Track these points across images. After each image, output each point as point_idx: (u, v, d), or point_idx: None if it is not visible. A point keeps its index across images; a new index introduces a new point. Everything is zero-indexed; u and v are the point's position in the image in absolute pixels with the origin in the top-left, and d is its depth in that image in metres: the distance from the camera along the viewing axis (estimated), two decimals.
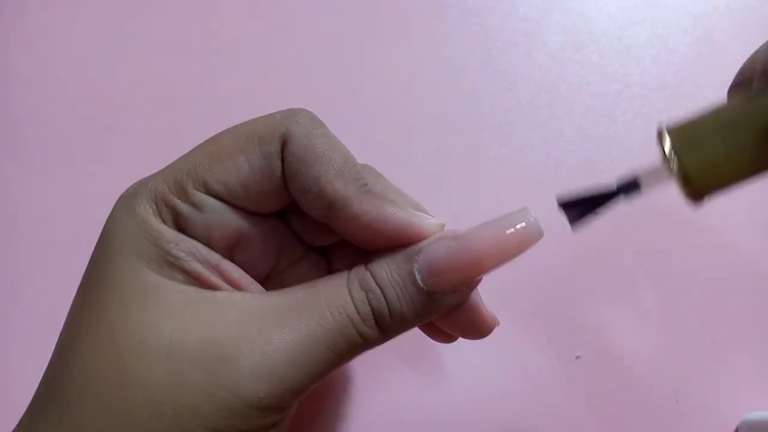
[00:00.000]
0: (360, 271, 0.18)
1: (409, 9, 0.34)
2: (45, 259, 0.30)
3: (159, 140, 0.32)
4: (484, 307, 0.20)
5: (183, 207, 0.17)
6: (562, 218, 0.30)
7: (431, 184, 0.31)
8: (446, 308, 0.18)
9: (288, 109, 0.18)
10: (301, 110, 0.18)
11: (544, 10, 0.34)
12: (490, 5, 0.34)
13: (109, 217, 0.18)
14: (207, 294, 0.17)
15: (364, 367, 0.28)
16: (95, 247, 0.18)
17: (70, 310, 0.18)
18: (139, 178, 0.19)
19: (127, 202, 0.18)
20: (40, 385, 0.17)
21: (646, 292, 0.30)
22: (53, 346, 0.18)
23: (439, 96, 0.33)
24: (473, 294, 0.19)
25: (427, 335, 0.22)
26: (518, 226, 0.17)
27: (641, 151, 0.32)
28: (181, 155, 0.18)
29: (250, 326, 0.16)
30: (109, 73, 0.33)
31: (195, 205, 0.17)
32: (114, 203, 0.18)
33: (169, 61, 0.33)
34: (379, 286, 0.17)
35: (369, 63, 0.33)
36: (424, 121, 0.32)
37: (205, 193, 0.17)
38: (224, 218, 0.18)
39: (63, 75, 0.33)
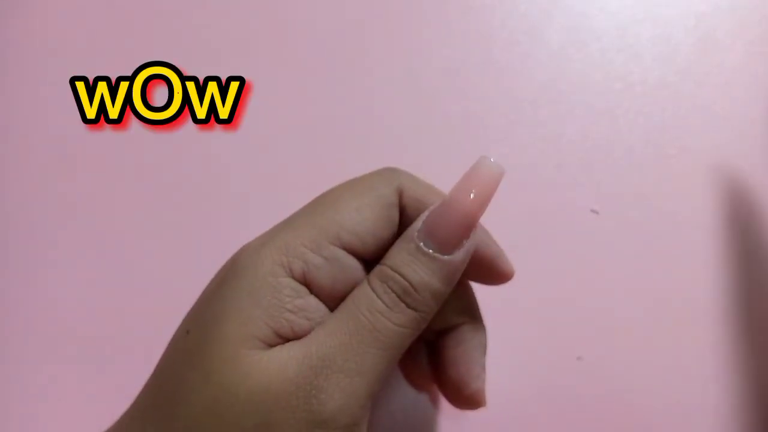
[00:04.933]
0: (376, 269, 0.19)
1: (410, 7, 0.34)
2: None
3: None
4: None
5: (317, 260, 0.19)
6: (562, 221, 0.30)
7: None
8: (462, 264, 0.20)
9: (387, 167, 0.21)
10: (397, 168, 0.21)
11: (545, 8, 0.34)
12: (490, 4, 0.34)
13: (232, 265, 0.19)
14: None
15: None
16: (212, 288, 0.19)
17: (174, 343, 0.19)
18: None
19: (253, 254, 0.19)
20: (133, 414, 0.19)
21: (647, 293, 0.30)
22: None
23: (439, 95, 0.33)
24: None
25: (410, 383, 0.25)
26: (482, 173, 0.20)
27: (643, 150, 0.32)
28: (296, 211, 0.20)
29: (323, 365, 0.18)
30: None
31: (327, 259, 0.19)
32: None
33: None
34: (395, 271, 0.19)
35: (368, 62, 0.33)
36: (424, 120, 0.32)
37: (339, 247, 0.19)
38: (348, 269, 0.20)
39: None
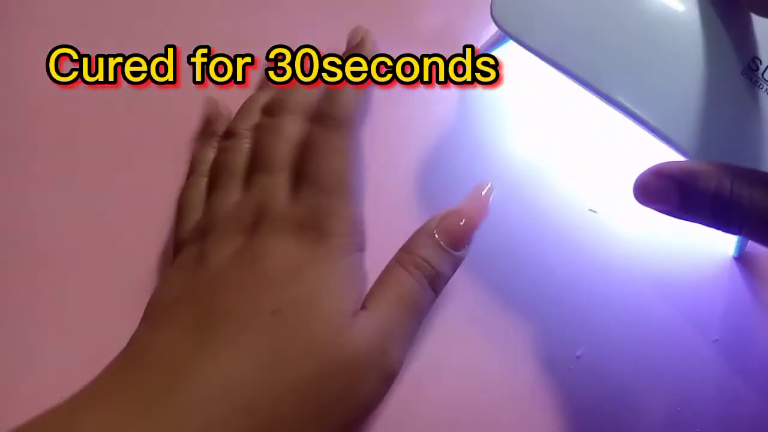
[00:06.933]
0: (410, 258, 0.25)
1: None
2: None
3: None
4: None
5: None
6: (567, 223, 0.30)
7: (438, 194, 0.31)
8: (465, 256, 0.26)
9: None
10: None
11: None
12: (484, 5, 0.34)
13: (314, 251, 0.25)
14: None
15: None
16: (296, 270, 0.24)
17: (254, 322, 0.22)
18: None
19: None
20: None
21: (646, 290, 0.30)
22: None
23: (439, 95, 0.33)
24: None
25: None
26: (484, 192, 0.27)
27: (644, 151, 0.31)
28: None
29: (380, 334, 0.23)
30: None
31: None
32: None
33: None
34: (427, 262, 0.25)
35: None
36: (422, 120, 0.32)
37: None
38: None
39: None
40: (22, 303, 0.29)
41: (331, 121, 0.27)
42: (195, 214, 0.28)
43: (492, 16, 0.26)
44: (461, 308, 0.29)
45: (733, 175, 0.21)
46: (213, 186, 0.28)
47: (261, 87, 0.31)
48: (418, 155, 0.31)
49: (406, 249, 0.25)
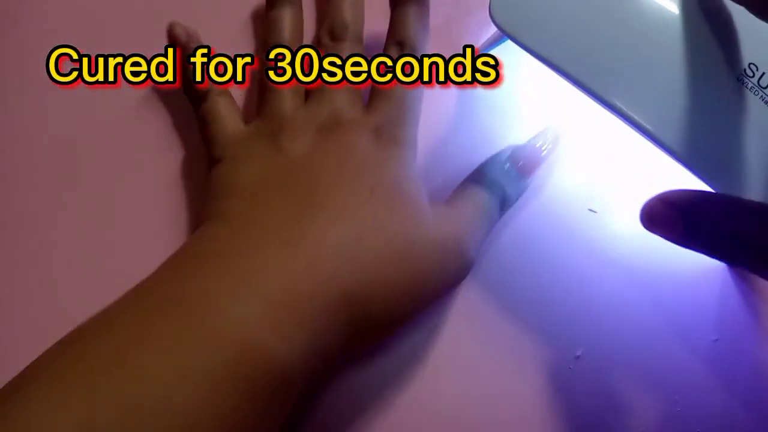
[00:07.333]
0: (481, 179, 0.28)
1: None
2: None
3: None
4: None
5: None
6: (567, 223, 0.30)
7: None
8: (526, 187, 0.30)
9: None
10: None
11: None
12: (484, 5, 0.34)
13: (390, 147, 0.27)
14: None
15: (358, 368, 0.28)
16: (380, 163, 0.26)
17: (354, 199, 0.24)
18: None
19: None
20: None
21: (646, 290, 0.30)
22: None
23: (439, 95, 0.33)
24: None
25: None
26: (550, 136, 0.30)
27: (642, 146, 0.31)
28: None
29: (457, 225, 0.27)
30: None
31: None
32: None
33: None
34: (500, 185, 0.28)
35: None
36: (422, 120, 0.32)
37: None
38: None
39: None
40: (22, 302, 0.29)
41: (407, 50, 0.28)
42: (232, 121, 0.29)
43: (490, 14, 0.26)
44: (461, 308, 0.29)
45: (737, 208, 0.20)
46: (267, 94, 0.29)
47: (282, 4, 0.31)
48: (417, 155, 0.31)
49: (481, 170, 0.29)
